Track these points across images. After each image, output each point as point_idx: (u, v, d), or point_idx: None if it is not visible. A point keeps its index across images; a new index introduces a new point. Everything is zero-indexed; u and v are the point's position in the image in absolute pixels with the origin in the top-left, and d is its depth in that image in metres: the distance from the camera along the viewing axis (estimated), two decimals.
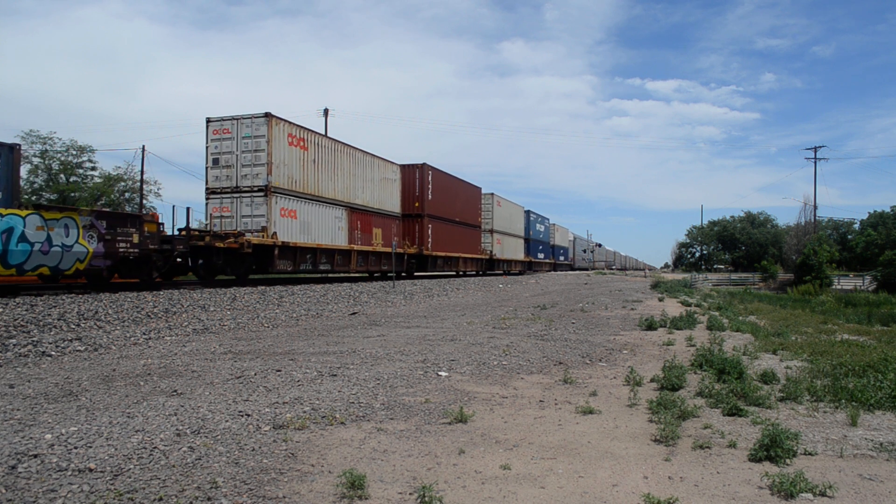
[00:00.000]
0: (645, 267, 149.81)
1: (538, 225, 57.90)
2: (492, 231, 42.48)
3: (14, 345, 8.04)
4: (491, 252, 41.80)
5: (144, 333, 9.70)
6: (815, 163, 59.02)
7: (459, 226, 35.98)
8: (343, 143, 24.39)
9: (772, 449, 4.16)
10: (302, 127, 21.33)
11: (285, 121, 20.23)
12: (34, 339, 8.53)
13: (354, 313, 14.37)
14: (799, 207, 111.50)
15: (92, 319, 10.28)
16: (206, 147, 20.09)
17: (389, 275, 31.83)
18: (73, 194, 38.77)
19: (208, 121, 20.04)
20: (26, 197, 38.04)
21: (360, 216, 25.24)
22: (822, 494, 3.57)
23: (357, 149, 25.32)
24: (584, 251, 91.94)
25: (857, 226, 74.51)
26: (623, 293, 26.82)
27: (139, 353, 8.21)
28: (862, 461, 4.24)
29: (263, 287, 18.13)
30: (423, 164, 31.13)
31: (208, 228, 19.38)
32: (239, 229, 19.12)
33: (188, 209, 19.68)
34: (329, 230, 22.87)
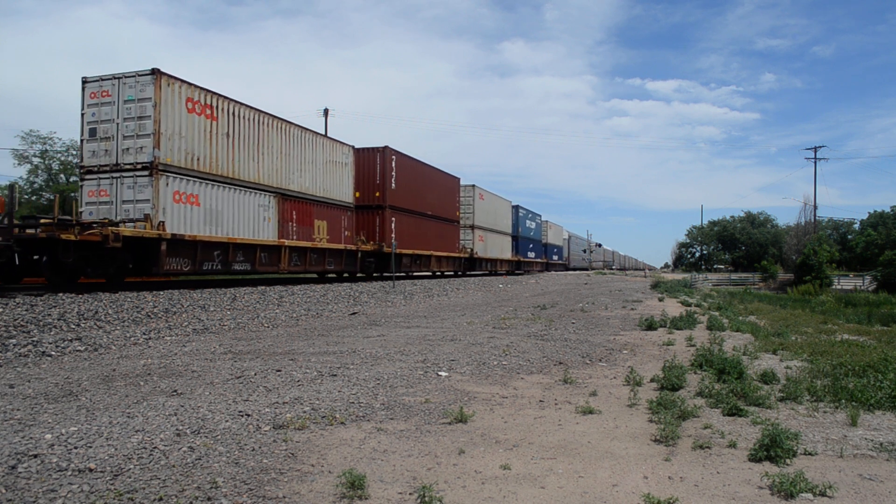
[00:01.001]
0: (645, 267, 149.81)
1: (528, 221, 53.82)
2: (473, 227, 38.44)
3: (14, 345, 8.04)
4: (472, 250, 37.77)
5: (144, 333, 9.69)
6: (815, 163, 59.05)
7: (432, 220, 31.55)
8: (272, 116, 19.71)
9: (772, 449, 4.16)
10: (210, 91, 16.74)
11: (183, 81, 15.73)
12: (34, 339, 8.53)
13: (354, 313, 14.37)
14: (799, 207, 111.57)
15: (92, 319, 10.28)
16: (82, 115, 15.61)
17: (331, 276, 27.68)
18: (73, 194, 38.79)
19: (84, 81, 15.62)
20: (26, 197, 38.03)
21: (297, 205, 20.75)
22: (822, 494, 3.57)
23: (293, 124, 20.80)
24: (585, 251, 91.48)
25: (857, 226, 74.53)
26: (623, 293, 26.82)
27: (139, 353, 8.21)
28: (862, 461, 4.24)
29: (264, 287, 18.13)
30: (385, 147, 26.34)
31: (72, 218, 14.81)
32: (120, 217, 14.93)
33: (56, 196, 16.44)
34: (250, 221, 18.30)
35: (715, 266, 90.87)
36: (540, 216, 58.69)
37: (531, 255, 54.23)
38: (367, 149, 26.39)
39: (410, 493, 3.51)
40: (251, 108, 18.87)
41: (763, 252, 77.68)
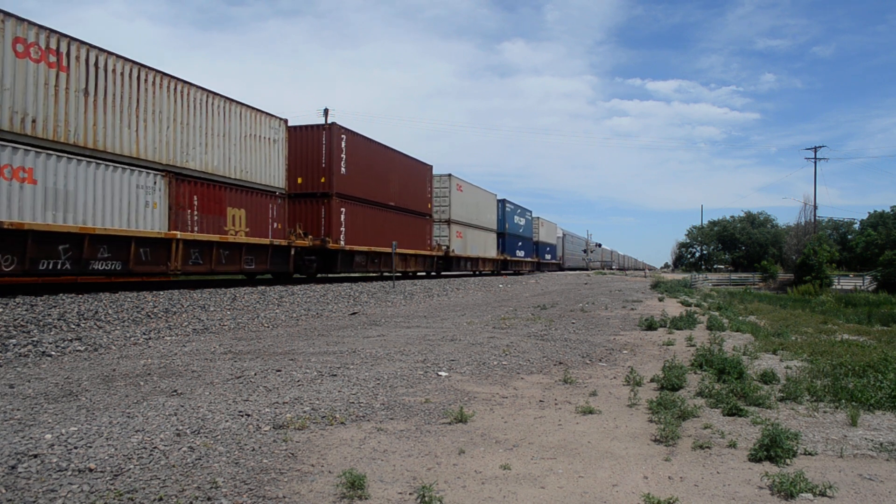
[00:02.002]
0: (645, 267, 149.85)
1: (517, 217, 49.74)
2: (449, 221, 34.08)
3: (14, 345, 8.04)
4: (447, 247, 33.51)
5: (144, 333, 9.70)
6: (815, 163, 59.06)
7: (396, 212, 27.27)
8: (161, 73, 15.20)
9: (772, 449, 4.16)
10: (56, 33, 12.62)
11: (8, 14, 11.76)
12: (34, 339, 8.53)
13: (354, 313, 14.37)
14: (799, 207, 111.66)
15: (92, 319, 10.28)
16: None
17: (259, 276, 22.89)
18: None
19: None
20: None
21: (200, 189, 16.26)
22: (822, 494, 3.57)
23: (195, 86, 16.21)
24: (586, 251, 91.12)
25: (857, 226, 74.59)
26: (623, 293, 26.82)
27: (139, 353, 8.21)
28: (862, 461, 4.24)
29: (264, 287, 18.13)
30: (332, 124, 22.32)
31: None
32: None
33: None
34: (122, 207, 14.02)
35: (715, 266, 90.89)
36: (530, 212, 54.75)
37: (520, 253, 50.31)
38: (310, 126, 22.40)
39: (410, 493, 3.51)
40: (127, 60, 14.27)
41: (763, 252, 77.71)
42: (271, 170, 19.71)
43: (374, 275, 28.67)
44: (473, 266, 39.39)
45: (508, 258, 46.26)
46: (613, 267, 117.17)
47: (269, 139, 19.63)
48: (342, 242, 22.60)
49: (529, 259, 53.51)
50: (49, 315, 9.96)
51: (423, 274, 33.78)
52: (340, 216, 22.69)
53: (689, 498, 3.53)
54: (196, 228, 16.26)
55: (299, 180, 22.12)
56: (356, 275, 28.06)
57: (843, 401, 5.78)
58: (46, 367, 7.09)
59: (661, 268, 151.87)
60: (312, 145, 22.39)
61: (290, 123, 21.26)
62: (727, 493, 3.62)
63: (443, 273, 35.60)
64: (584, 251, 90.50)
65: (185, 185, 15.90)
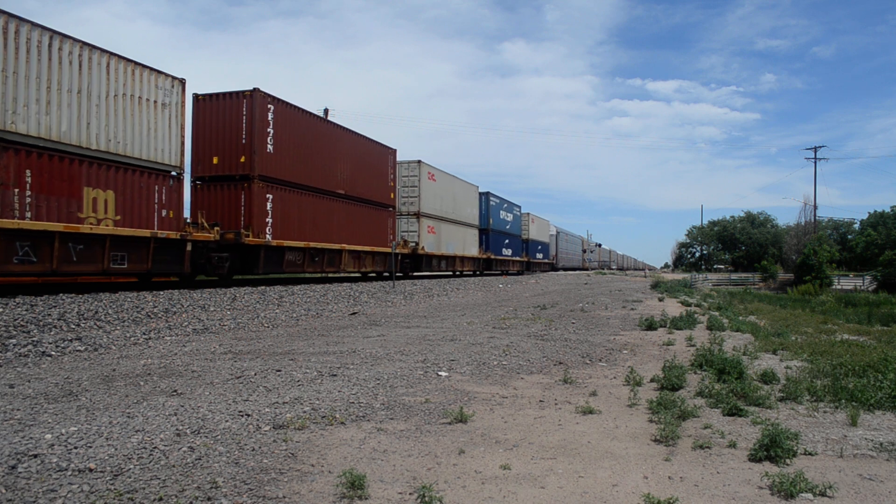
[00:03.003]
0: (645, 267, 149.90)
1: (503, 212, 45.40)
2: (419, 215, 29.64)
3: (14, 345, 8.04)
4: (416, 244, 29.35)
5: (144, 333, 9.69)
6: (815, 163, 59.09)
7: (345, 202, 23.04)
8: None
9: (772, 449, 4.16)
10: None
11: None
12: (34, 339, 8.53)
13: (354, 313, 14.37)
14: (799, 207, 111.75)
15: (92, 319, 10.28)
16: None
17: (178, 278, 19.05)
18: None
19: None
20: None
21: (37, 161, 12.26)
22: (822, 494, 3.57)
23: (25, 21, 12.05)
24: (585, 251, 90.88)
25: (857, 226, 74.60)
26: (623, 293, 26.82)
27: (139, 353, 8.21)
28: (862, 461, 4.24)
29: (264, 287, 18.13)
30: (255, 90, 17.94)
31: None
32: None
33: None
34: None
35: (715, 266, 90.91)
36: (519, 207, 50.36)
37: (506, 251, 46.12)
38: (227, 94, 18.30)
39: (410, 493, 3.51)
40: None
41: (763, 252, 77.72)
42: (159, 142, 15.12)
43: (316, 275, 24.02)
44: (450, 265, 34.60)
45: (493, 257, 42.10)
46: (613, 267, 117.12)
47: (155, 102, 15.07)
48: (268, 236, 18.26)
49: (517, 258, 49.16)
50: (49, 315, 9.96)
51: (380, 273, 28.12)
52: (266, 204, 18.40)
53: (689, 498, 3.53)
54: (29, 214, 12.06)
55: (214, 160, 18.12)
56: (287, 276, 23.43)
57: (843, 401, 5.78)
58: (46, 367, 7.09)
59: (661, 268, 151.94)
60: (231, 117, 18.30)
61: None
62: (727, 493, 3.62)
63: (412, 274, 30.82)
64: (584, 251, 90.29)
65: (8, 154, 11.75)
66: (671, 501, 3.31)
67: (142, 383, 6.18)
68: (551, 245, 64.67)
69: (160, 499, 3.32)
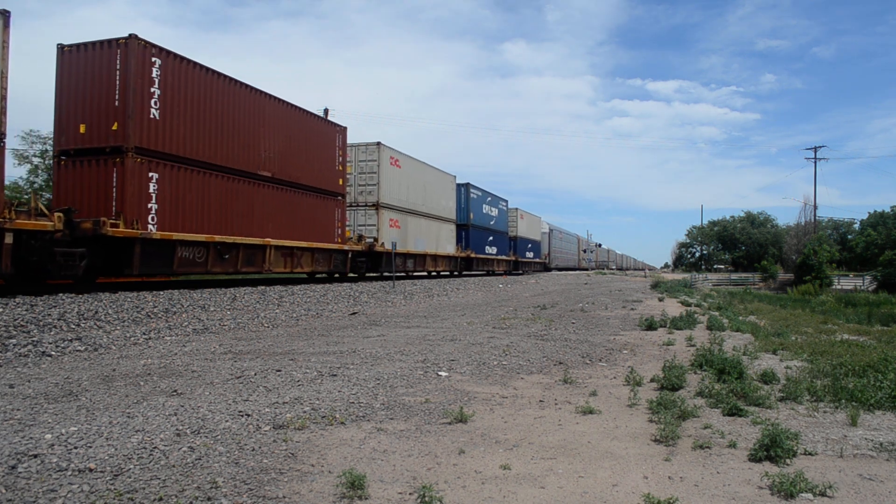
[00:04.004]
0: (644, 267, 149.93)
1: (486, 206, 41.01)
2: (378, 206, 25.29)
3: (14, 345, 8.04)
4: (374, 240, 24.90)
5: (144, 333, 9.69)
6: (815, 163, 59.11)
7: (273, 187, 18.79)
8: None
9: (772, 449, 4.16)
10: None
11: None
12: (34, 339, 8.53)
13: (354, 313, 14.37)
14: (799, 207, 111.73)
15: (92, 319, 10.28)
16: None
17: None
18: None
19: None
20: (27, 196, 37.83)
21: None
22: (822, 494, 3.57)
23: None
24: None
25: (857, 226, 74.65)
26: (623, 293, 26.82)
27: (139, 353, 8.21)
28: (862, 461, 4.24)
29: (263, 287, 18.12)
30: (131, 37, 14.03)
31: None
32: None
33: None
34: None
35: (715, 266, 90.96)
36: (506, 201, 45.90)
37: (490, 250, 41.66)
38: (95, 44, 14.29)
39: (410, 493, 3.51)
40: None
41: (763, 252, 77.77)
42: None
43: (224, 276, 19.31)
44: (419, 264, 30.23)
45: (473, 255, 37.45)
46: (612, 267, 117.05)
47: None
48: (150, 226, 14.15)
49: (504, 257, 44.99)
50: (49, 315, 9.96)
51: (336, 275, 24.02)
52: (148, 185, 14.25)
53: (689, 498, 3.53)
54: None
55: (81, 128, 14.31)
56: (180, 278, 18.34)
57: (843, 401, 5.78)
58: (46, 367, 7.09)
59: (661, 268, 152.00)
60: (101, 74, 14.20)
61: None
62: (727, 493, 3.62)
63: (368, 275, 26.50)
64: (585, 251, 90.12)
65: None
66: (671, 501, 3.31)
67: (142, 383, 6.18)
68: (543, 243, 60.02)
69: (160, 499, 3.32)
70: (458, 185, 36.58)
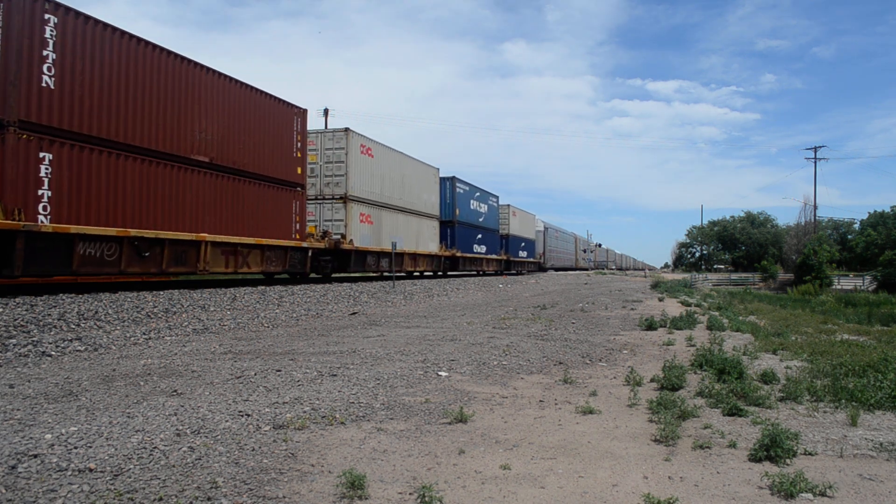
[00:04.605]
0: (644, 267, 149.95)
1: (473, 202, 38.04)
2: (346, 199, 22.59)
3: (14, 345, 8.04)
4: (342, 237, 22.31)
5: (144, 333, 9.70)
6: (815, 163, 59.15)
7: (211, 174, 16.04)
8: None
9: (772, 449, 4.16)
10: None
11: None
12: (34, 339, 8.53)
13: (354, 313, 14.37)
14: (799, 207, 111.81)
15: (92, 319, 10.28)
16: None
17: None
18: None
19: None
20: None
21: None
22: (822, 494, 3.57)
23: None
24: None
25: (857, 226, 74.69)
26: (623, 293, 26.82)
27: (139, 353, 8.21)
28: (862, 461, 4.24)
29: (263, 287, 18.12)
30: None
31: None
32: None
33: None
34: None
35: (715, 266, 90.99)
36: (496, 197, 43.23)
37: (479, 248, 38.77)
38: None
39: (410, 493, 3.51)
40: None
41: (763, 252, 77.79)
42: None
43: (137, 278, 14.94)
44: (395, 264, 27.12)
45: (459, 254, 34.59)
46: (612, 267, 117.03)
47: None
48: (42, 218, 11.89)
49: (494, 256, 42.08)
50: (49, 315, 9.96)
51: (289, 276, 21.16)
52: (39, 167, 11.90)
53: (689, 498, 3.53)
54: None
55: None
56: (89, 279, 14.10)
57: (843, 401, 5.78)
58: (46, 367, 7.09)
59: (661, 268, 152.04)
60: None
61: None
62: (727, 493, 3.62)
63: (334, 276, 23.89)
64: (584, 251, 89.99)
65: None
66: (671, 501, 3.31)
67: (142, 383, 6.18)
68: (538, 242, 57.05)
69: (160, 499, 3.32)
70: (443, 179, 33.77)
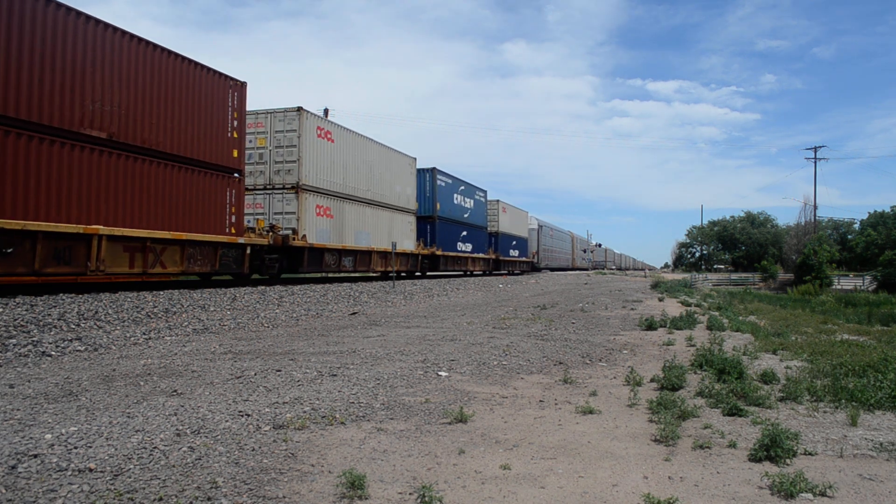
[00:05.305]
0: (644, 267, 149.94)
1: (458, 196, 35.18)
2: (299, 188, 19.97)
3: (14, 345, 8.04)
4: (293, 232, 19.76)
5: (144, 333, 9.70)
6: (815, 163, 59.15)
7: (111, 154, 13.27)
8: None
9: (772, 449, 4.16)
10: None
11: None
12: (34, 339, 8.53)
13: (354, 313, 14.37)
14: (799, 207, 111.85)
15: (92, 319, 10.28)
16: None
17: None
18: None
19: None
20: None
21: None
22: (822, 494, 3.57)
23: None
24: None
25: (857, 226, 74.71)
26: (623, 293, 26.81)
27: (139, 353, 8.21)
28: (862, 461, 4.24)
29: (263, 287, 18.12)
30: None
31: None
32: None
33: None
34: None
35: (715, 266, 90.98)
36: (484, 192, 40.44)
37: (464, 246, 35.90)
38: None
39: (410, 493, 3.51)
40: None
41: (763, 252, 77.80)
42: None
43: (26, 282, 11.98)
44: (362, 263, 24.02)
45: (440, 253, 31.76)
46: (612, 267, 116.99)
47: None
48: None
49: (481, 255, 39.27)
50: (49, 315, 9.96)
51: (201, 273, 16.50)
52: None
53: (689, 498, 3.53)
54: None
55: None
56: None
57: (843, 401, 5.78)
58: (46, 367, 7.09)
59: (661, 268, 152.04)
60: None
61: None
62: (727, 493, 3.62)
63: (284, 276, 21.23)
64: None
65: None
66: (671, 501, 3.31)
67: (142, 383, 6.18)
68: (531, 240, 54.57)
69: (160, 499, 3.32)
70: (421, 170, 30.86)
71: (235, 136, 17.17)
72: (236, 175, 17.19)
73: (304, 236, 20.22)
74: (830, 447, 4.51)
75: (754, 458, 4.17)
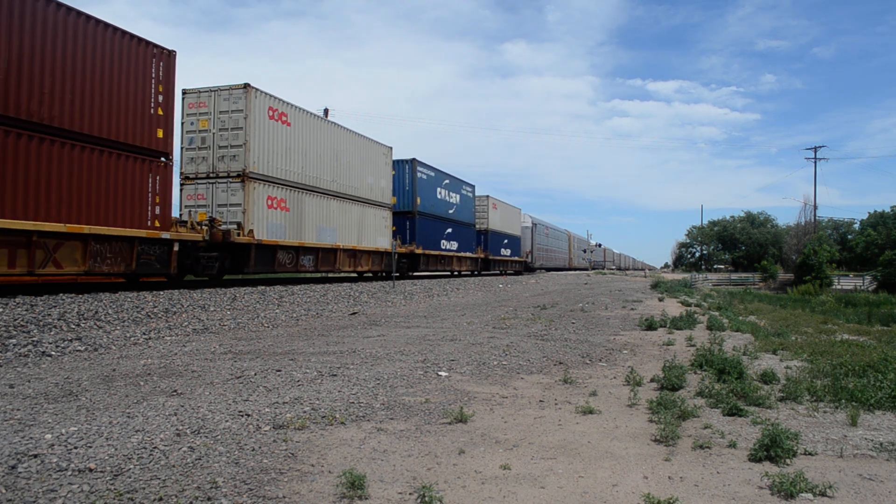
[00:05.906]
0: (644, 267, 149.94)
1: (441, 191, 32.46)
2: (245, 177, 17.41)
3: (14, 345, 8.04)
4: (238, 226, 17.31)
5: (144, 333, 9.69)
6: (815, 163, 59.14)
7: None
8: None
9: (772, 449, 4.16)
10: None
11: None
12: (34, 339, 8.53)
13: (354, 313, 14.37)
14: (799, 207, 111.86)
15: (92, 319, 10.28)
16: None
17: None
18: None
19: None
20: None
21: None
22: (822, 494, 3.57)
23: None
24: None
25: (857, 226, 74.68)
26: (623, 293, 26.81)
27: (139, 353, 8.21)
28: (862, 461, 4.24)
29: (263, 287, 18.12)
30: None
31: None
32: None
33: None
34: None
35: (715, 266, 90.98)
36: (472, 187, 37.77)
37: (449, 245, 33.24)
38: None
39: (410, 493, 3.51)
40: None
41: (763, 252, 77.79)
42: None
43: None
44: (324, 262, 21.47)
45: (421, 252, 29.32)
46: (612, 267, 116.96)
47: None
48: None
49: (468, 254, 36.41)
50: (49, 315, 9.96)
51: (128, 279, 15.57)
52: None
53: (690, 498, 3.53)
54: None
55: None
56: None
57: (843, 401, 5.78)
58: (46, 367, 7.09)
59: (661, 268, 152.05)
60: None
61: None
62: (727, 492, 3.62)
63: (227, 277, 19.08)
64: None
65: None
66: (671, 501, 3.31)
67: (142, 383, 6.18)
68: (524, 239, 51.47)
69: (160, 499, 3.32)
70: (399, 162, 28.21)
71: (161, 112, 14.55)
72: (162, 159, 14.59)
73: (252, 231, 17.66)
74: (830, 447, 4.51)
75: (754, 458, 4.17)
